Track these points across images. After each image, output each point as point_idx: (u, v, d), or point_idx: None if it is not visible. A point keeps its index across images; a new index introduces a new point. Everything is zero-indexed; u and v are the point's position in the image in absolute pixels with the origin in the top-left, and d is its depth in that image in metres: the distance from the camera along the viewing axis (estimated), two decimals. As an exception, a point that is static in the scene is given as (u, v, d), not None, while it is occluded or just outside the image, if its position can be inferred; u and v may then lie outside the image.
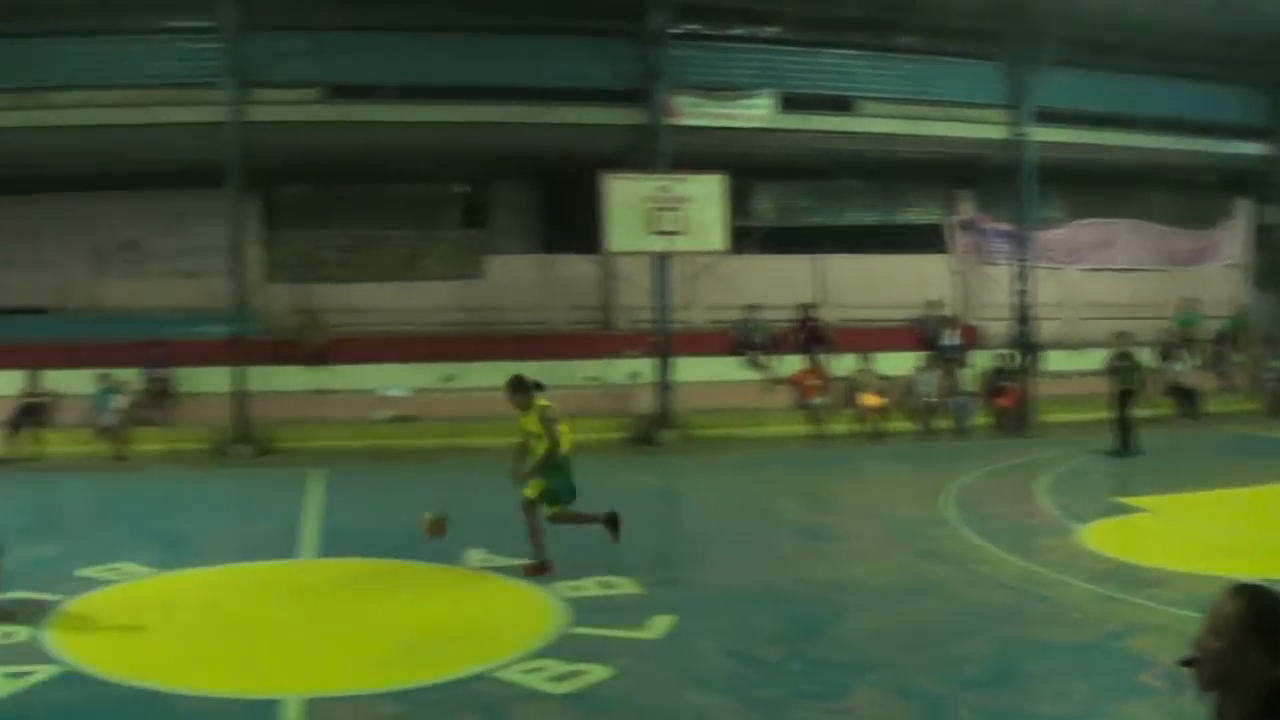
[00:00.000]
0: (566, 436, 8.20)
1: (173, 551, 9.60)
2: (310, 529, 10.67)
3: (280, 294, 17.64)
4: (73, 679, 6.55)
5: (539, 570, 7.95)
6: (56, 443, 15.19)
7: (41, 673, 6.56)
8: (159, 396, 15.54)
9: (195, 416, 15.45)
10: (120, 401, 15.13)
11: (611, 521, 8.28)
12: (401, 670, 6.47)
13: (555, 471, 8.08)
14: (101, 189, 17.57)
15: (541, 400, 8.21)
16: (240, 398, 14.99)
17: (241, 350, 15.13)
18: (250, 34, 14.98)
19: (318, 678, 6.50)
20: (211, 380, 15.26)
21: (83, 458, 14.97)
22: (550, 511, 8.23)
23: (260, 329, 16.36)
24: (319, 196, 18.60)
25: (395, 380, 16.11)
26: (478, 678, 6.22)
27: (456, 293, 18.05)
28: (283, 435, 15.20)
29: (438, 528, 8.08)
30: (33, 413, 15.02)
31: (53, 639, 7.18)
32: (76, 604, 8.04)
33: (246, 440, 14.83)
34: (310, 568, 9.28)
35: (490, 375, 15.39)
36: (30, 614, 7.67)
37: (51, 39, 15.25)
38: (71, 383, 15.35)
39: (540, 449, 8.07)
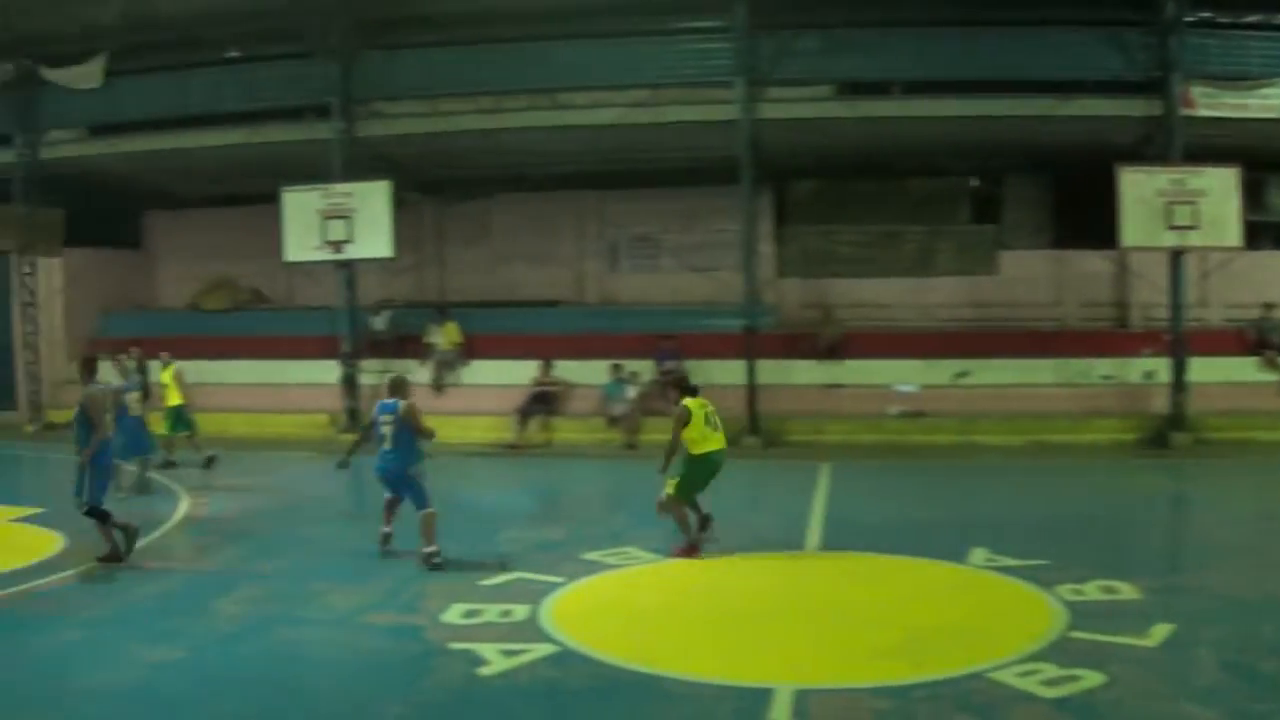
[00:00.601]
0: (712, 438, 11.21)
1: (677, 539, 11.87)
2: (815, 522, 13.15)
3: (791, 289, 22.07)
4: (567, 658, 8.36)
5: (689, 552, 11.04)
6: (566, 431, 20.11)
7: (538, 651, 8.44)
8: (669, 387, 19.95)
9: None
10: (631, 392, 19.72)
11: (703, 524, 11.20)
12: (894, 666, 7.85)
13: (691, 466, 11.18)
14: (616, 186, 22.87)
15: (688, 402, 11.32)
16: (751, 390, 19.00)
17: (753, 344, 19.17)
18: (761, 33, 18.98)
19: (809, 669, 7.97)
20: (722, 373, 19.18)
21: (592, 446, 19.54)
22: (669, 498, 11.20)
23: (771, 323, 20.59)
24: (830, 192, 22.71)
25: (906, 376, 19.57)
26: (971, 677, 7.50)
27: (967, 288, 21.64)
28: (792, 428, 19.07)
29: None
30: (544, 401, 20.02)
31: (551, 619, 9.25)
32: (578, 586, 10.35)
33: (756, 432, 18.75)
34: (812, 560, 11.52)
35: (1002, 373, 19.11)
36: (532, 594, 9.91)
37: (566, 42, 20.09)
38: (583, 373, 20.30)
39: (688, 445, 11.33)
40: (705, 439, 11.24)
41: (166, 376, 17.71)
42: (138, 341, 18.53)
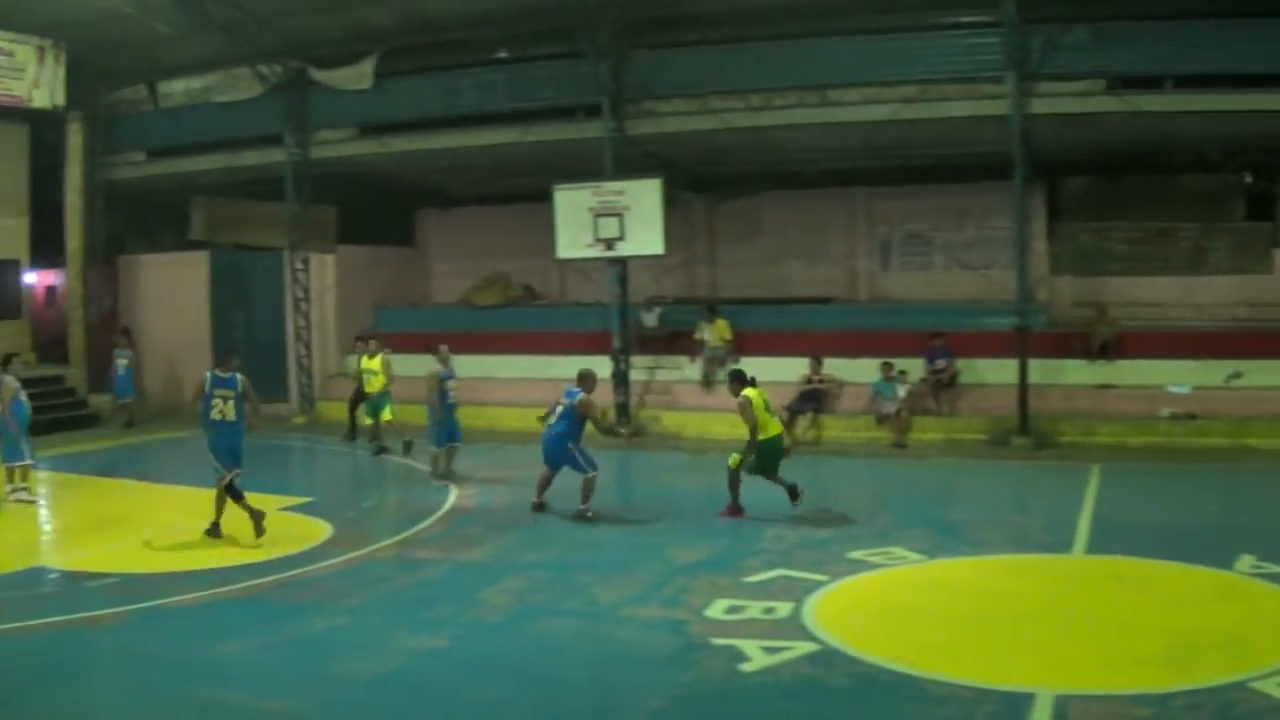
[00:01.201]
0: (771, 424, 16.54)
1: (943, 539, 14.54)
2: (1083, 525, 15.50)
3: (1063, 287, 26.80)
4: (828, 656, 10.09)
5: (733, 513, 16.54)
6: (835, 429, 24.59)
7: (799, 649, 10.23)
8: (939, 387, 24.40)
9: (975, 407, 24.14)
10: (901, 390, 24.09)
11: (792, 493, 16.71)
12: (1156, 673, 9.12)
13: (758, 449, 16.39)
14: (887, 183, 28.06)
15: (748, 391, 16.41)
16: (1022, 391, 23.15)
17: (1025, 343, 23.29)
18: (1030, 27, 22.37)
19: (1070, 674, 9.35)
20: (993, 372, 23.88)
21: (860, 444, 23.71)
22: (730, 469, 16.63)
23: (1043, 322, 24.97)
24: (1103, 188, 27.30)
25: (1178, 377, 23.38)
26: (1233, 687, 8.63)
27: (1242, 287, 25.91)
28: (1064, 429, 23.06)
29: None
30: (813, 399, 24.63)
31: (814, 617, 11.16)
32: (842, 585, 12.52)
33: (1026, 433, 22.94)
34: (1077, 563, 13.53)
35: (1277, 374, 22.75)
36: (796, 592, 12.00)
37: (835, 38, 24.29)
38: (852, 371, 25.01)
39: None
40: (767, 425, 16.58)
41: (375, 364, 23.93)
42: (411, 337, 25.47)
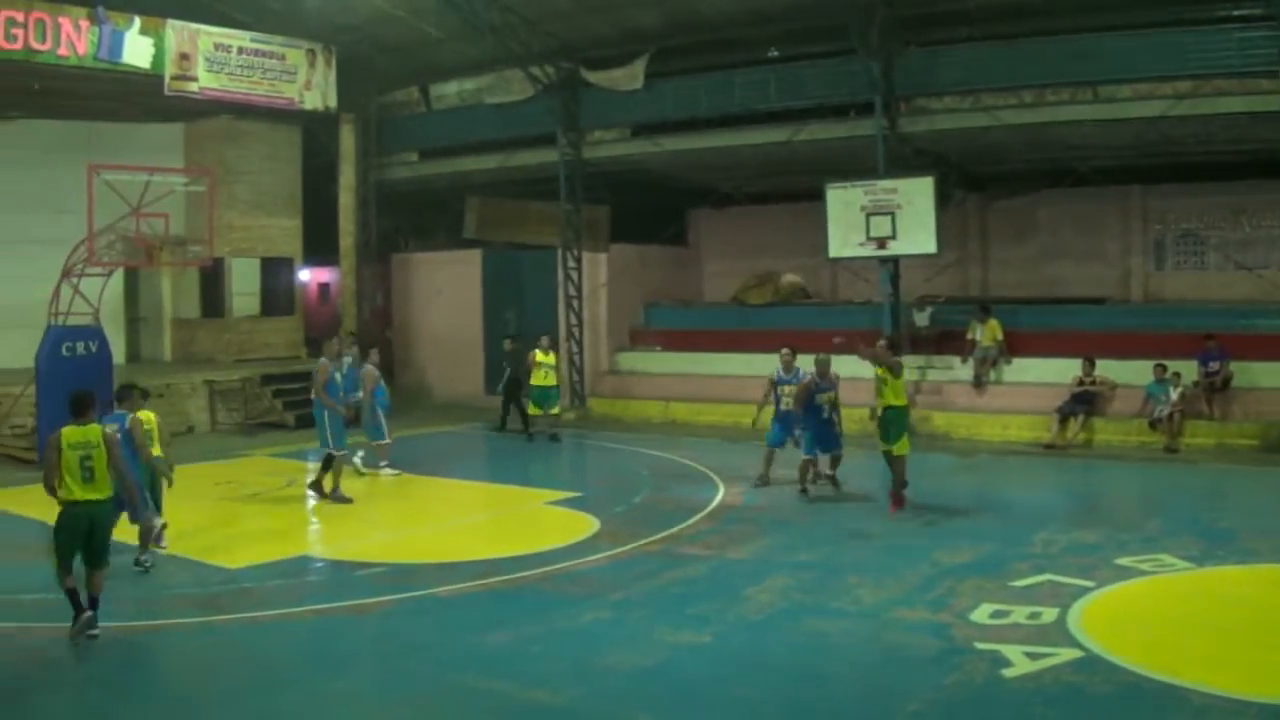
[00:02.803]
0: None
1: (1212, 548, 15.26)
2: None
3: None
4: (1092, 664, 10.74)
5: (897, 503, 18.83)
6: (1106, 432, 26.21)
7: (1063, 655, 10.95)
8: (1212, 390, 26.01)
9: (1247, 412, 25.74)
10: (1174, 393, 25.63)
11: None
12: None
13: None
14: (1160, 180, 30.30)
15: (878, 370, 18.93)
16: None
17: None
18: None
19: None
20: (1266, 375, 25.60)
21: (1131, 448, 25.23)
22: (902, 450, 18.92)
23: None
24: None
25: None
26: None
27: None
28: None
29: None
30: (1085, 401, 26.46)
31: (1079, 624, 11.87)
32: (1109, 592, 13.25)
33: None
34: None
35: None
36: (1062, 597, 12.83)
37: (1108, 33, 26.15)
38: (1124, 373, 26.74)
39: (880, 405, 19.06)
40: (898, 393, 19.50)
41: (551, 359, 28.18)
42: (681, 336, 30.44)
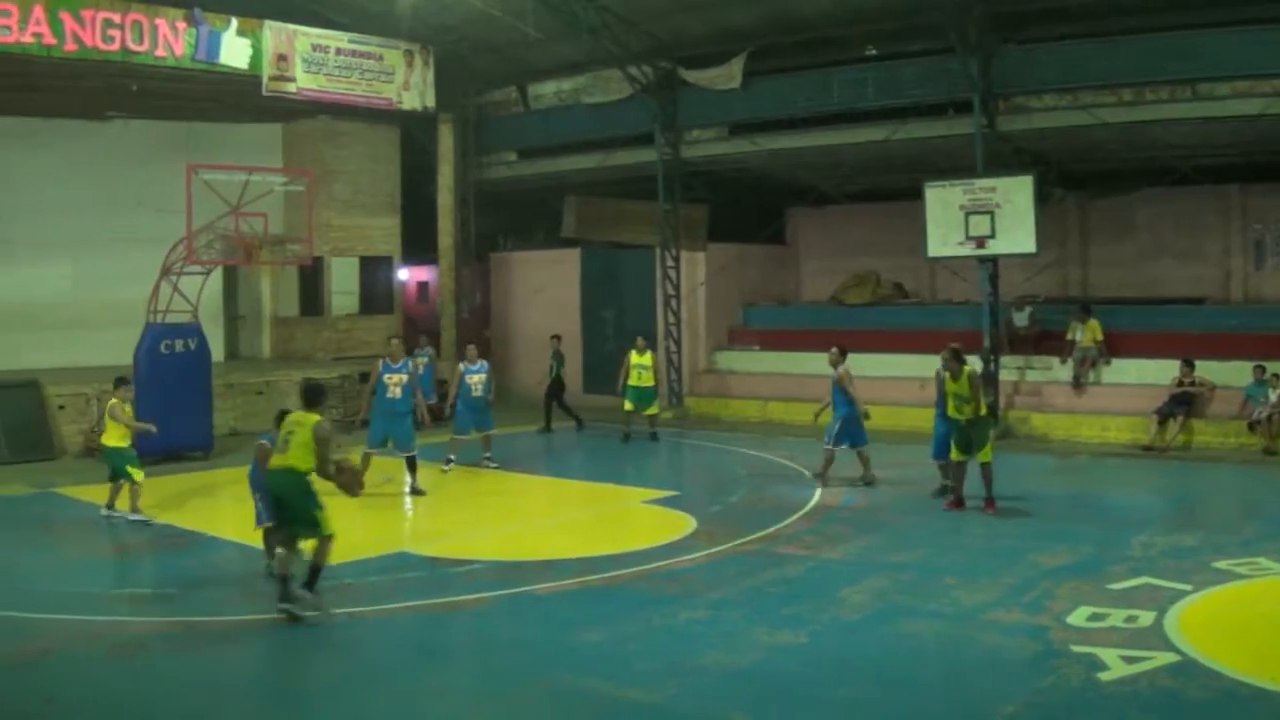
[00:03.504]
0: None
1: None
2: None
3: None
4: (1188, 668, 10.86)
5: (956, 505, 19.04)
6: (1205, 433, 26.29)
7: (1159, 659, 11.05)
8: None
9: None
10: (1273, 395, 25.65)
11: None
12: None
13: (975, 426, 18.90)
14: (1260, 179, 30.40)
15: (969, 368, 18.84)
16: None
17: None
18: None
19: None
20: None
21: (1230, 450, 25.38)
22: (957, 458, 19.10)
23: None
24: None
25: None
26: None
27: None
28: None
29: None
30: (1184, 402, 26.57)
31: (1177, 627, 11.96)
32: (1206, 596, 13.33)
33: None
34: None
35: None
36: (1159, 601, 12.97)
37: (1208, 30, 26.22)
38: (1224, 375, 26.87)
39: (967, 409, 18.93)
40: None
41: (648, 360, 28.73)
42: (780, 335, 30.87)
